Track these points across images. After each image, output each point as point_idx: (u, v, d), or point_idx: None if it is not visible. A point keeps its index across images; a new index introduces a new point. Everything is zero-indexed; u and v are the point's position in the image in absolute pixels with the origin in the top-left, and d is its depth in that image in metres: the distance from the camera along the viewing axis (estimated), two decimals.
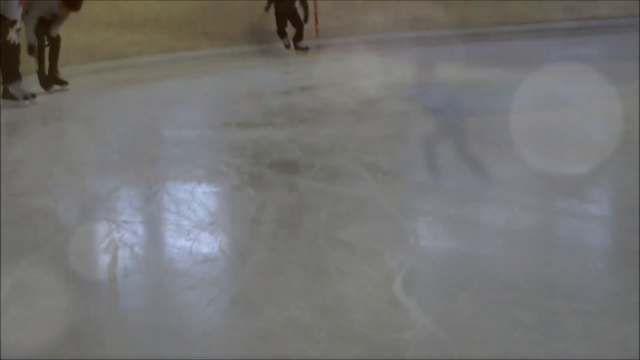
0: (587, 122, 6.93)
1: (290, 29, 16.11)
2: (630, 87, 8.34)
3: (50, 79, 11.42)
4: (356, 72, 12.55)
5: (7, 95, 9.84)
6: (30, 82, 10.72)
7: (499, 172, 5.12)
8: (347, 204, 4.52)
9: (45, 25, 11.08)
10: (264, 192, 4.84)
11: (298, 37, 16.01)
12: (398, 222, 4.15)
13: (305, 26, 16.05)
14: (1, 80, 9.94)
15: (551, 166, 5.20)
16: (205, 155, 6.35)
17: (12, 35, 9.64)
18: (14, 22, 9.59)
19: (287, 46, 15.99)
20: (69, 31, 12.29)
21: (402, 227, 4.07)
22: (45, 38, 11.29)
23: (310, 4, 17.28)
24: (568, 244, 3.82)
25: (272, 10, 16.08)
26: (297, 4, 16.16)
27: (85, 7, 11.69)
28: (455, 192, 4.71)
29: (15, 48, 9.79)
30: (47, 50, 11.39)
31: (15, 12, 9.62)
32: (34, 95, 10.12)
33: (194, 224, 4.33)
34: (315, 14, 18.41)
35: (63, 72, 11.94)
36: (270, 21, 16.52)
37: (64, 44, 11.79)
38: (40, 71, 11.24)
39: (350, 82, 10.97)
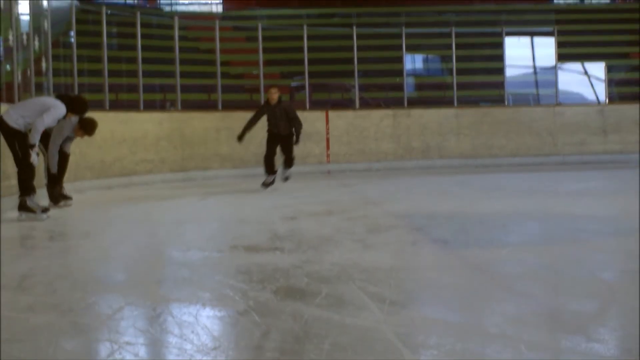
0: (594, 259, 6.93)
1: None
2: (637, 224, 8.39)
3: (60, 194, 11.55)
4: (366, 199, 12.60)
5: (25, 208, 10.12)
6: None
7: (506, 308, 5.08)
8: (351, 334, 4.48)
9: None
10: (268, 319, 4.81)
11: (287, 162, 14.49)
12: (402, 355, 4.11)
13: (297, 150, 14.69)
14: (18, 194, 10.22)
15: (557, 302, 5.18)
16: (211, 278, 6.34)
17: (34, 157, 10.10)
18: (33, 146, 10.05)
19: (269, 184, 14.13)
20: (81, 147, 12.44)
21: None
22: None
23: (319, 123, 17.47)
24: None
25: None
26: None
27: (99, 124, 11.85)
28: (461, 326, 4.67)
29: (33, 166, 10.20)
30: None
31: (37, 138, 10.12)
32: (47, 209, 10.36)
33: (196, 348, 4.29)
34: (327, 140, 18.59)
35: (74, 187, 12.04)
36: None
37: (76, 159, 11.94)
38: (50, 186, 11.38)
39: (359, 209, 11.01)
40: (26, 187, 10.16)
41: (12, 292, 5.82)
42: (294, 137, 14.24)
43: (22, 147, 10.06)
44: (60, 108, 10.33)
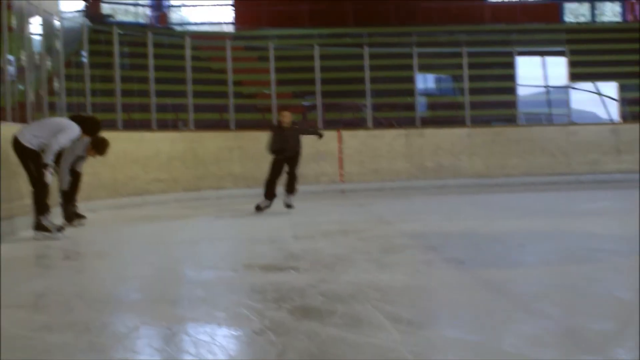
0: (611, 278, 6.88)
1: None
2: None
3: (73, 213, 11.59)
4: (379, 218, 12.58)
5: (41, 228, 10.20)
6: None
7: (523, 327, 5.05)
8: (367, 354, 4.46)
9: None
10: (284, 338, 4.79)
11: (290, 188, 13.70)
12: None
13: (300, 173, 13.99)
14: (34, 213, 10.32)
15: (575, 322, 5.14)
16: (226, 298, 6.33)
17: (48, 176, 10.23)
18: (47, 165, 10.19)
19: (264, 208, 13.40)
20: (94, 166, 12.46)
21: None
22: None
23: (332, 143, 17.51)
24: None
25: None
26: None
27: (112, 144, 11.88)
28: (478, 346, 4.64)
29: (47, 185, 10.31)
30: None
31: (52, 158, 10.28)
32: (62, 228, 10.45)
33: None
34: (340, 159, 18.60)
35: (87, 206, 12.06)
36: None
37: (89, 179, 11.97)
38: (65, 205, 11.42)
39: (373, 229, 10.99)
40: (41, 206, 10.24)
41: (28, 311, 5.83)
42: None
43: (36, 167, 10.16)
44: (74, 129, 10.39)
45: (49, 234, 10.19)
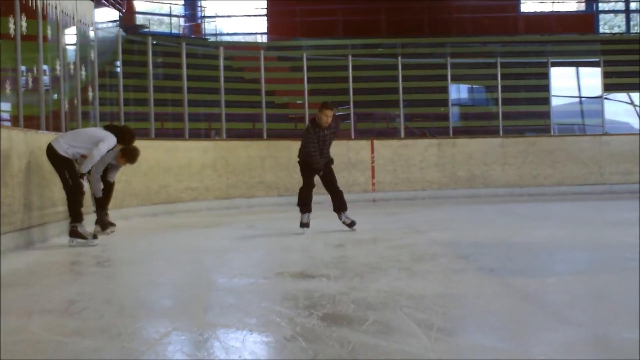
0: None
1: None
2: None
3: (105, 220, 11.68)
4: (411, 227, 12.56)
5: (77, 235, 10.35)
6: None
7: (554, 336, 5.02)
8: None
9: (104, 172, 11.56)
10: (315, 345, 4.79)
11: (339, 205, 11.91)
12: None
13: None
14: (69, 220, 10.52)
15: (606, 331, 5.11)
16: (257, 305, 6.32)
17: (85, 185, 10.53)
18: (84, 175, 10.49)
19: (306, 225, 11.57)
20: (127, 174, 12.54)
21: None
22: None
23: (364, 152, 17.49)
24: None
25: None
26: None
27: (145, 152, 11.95)
28: (508, 353, 4.63)
29: (83, 194, 10.58)
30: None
31: (89, 168, 10.62)
32: (96, 235, 10.63)
33: None
34: (372, 168, 18.60)
35: (120, 213, 12.14)
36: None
37: (122, 187, 12.06)
38: (98, 213, 11.51)
39: (404, 237, 10.97)
40: (77, 214, 10.38)
41: (60, 317, 5.86)
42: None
43: (72, 176, 10.31)
44: (111, 139, 10.50)
45: (84, 240, 10.31)
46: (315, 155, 11.46)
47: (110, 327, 5.42)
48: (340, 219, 11.75)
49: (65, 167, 10.26)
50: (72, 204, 10.39)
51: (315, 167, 11.49)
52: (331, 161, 11.88)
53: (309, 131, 11.60)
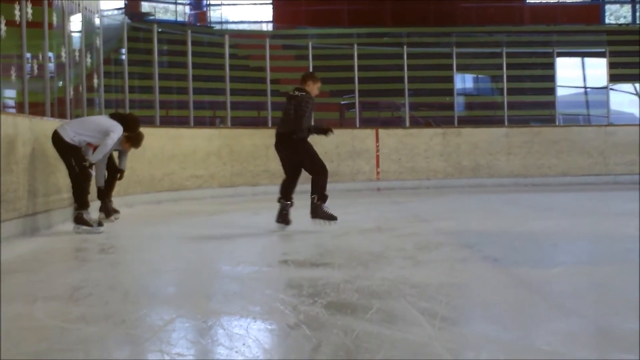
0: None
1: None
2: None
3: (110, 208, 11.70)
4: (415, 216, 12.56)
5: (82, 222, 10.37)
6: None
7: (557, 326, 5.02)
8: (402, 349, 4.45)
9: (111, 160, 11.52)
10: (319, 333, 4.79)
11: (317, 191, 10.17)
12: None
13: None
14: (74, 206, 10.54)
15: (609, 321, 5.11)
16: (261, 292, 6.33)
17: (92, 173, 10.59)
18: (92, 164, 10.51)
19: (284, 219, 10.32)
20: (131, 161, 12.53)
21: None
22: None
23: (369, 141, 17.48)
24: None
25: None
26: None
27: (148, 140, 11.95)
28: (512, 343, 4.62)
29: (89, 181, 10.60)
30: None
31: (100, 158, 10.76)
32: (102, 223, 10.69)
33: None
34: (377, 157, 18.60)
35: (124, 201, 12.15)
36: (331, 161, 16.65)
37: (126, 174, 12.11)
38: (102, 200, 11.53)
39: (409, 227, 10.98)
40: (83, 201, 10.41)
41: (65, 303, 5.87)
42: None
43: (78, 163, 10.33)
44: (119, 129, 10.52)
45: (90, 228, 10.33)
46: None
47: (114, 314, 5.43)
48: (314, 210, 10.13)
49: (71, 154, 10.28)
50: (78, 191, 10.41)
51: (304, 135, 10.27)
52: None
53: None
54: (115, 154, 12.07)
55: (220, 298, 6.18)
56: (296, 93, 10.27)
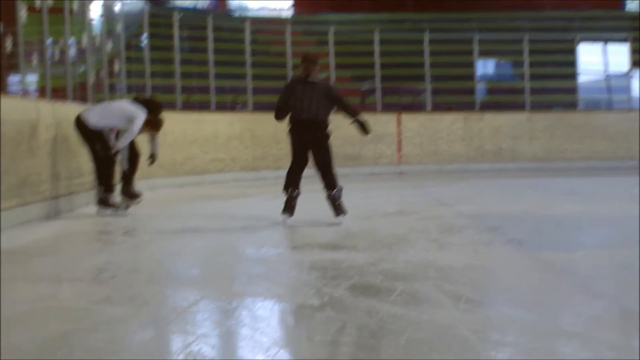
0: None
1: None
2: None
3: (133, 191, 11.70)
4: (438, 200, 12.54)
5: (108, 205, 10.55)
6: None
7: (582, 308, 5.00)
8: (427, 331, 4.44)
9: (132, 143, 11.51)
10: (343, 314, 4.79)
11: (328, 184, 9.62)
12: (479, 353, 4.06)
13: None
14: (101, 190, 10.68)
15: (634, 303, 5.08)
16: (285, 274, 6.35)
17: (118, 158, 10.75)
18: (119, 151, 10.62)
19: (292, 210, 9.64)
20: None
21: (482, 358, 3.98)
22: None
23: (391, 125, 17.44)
24: None
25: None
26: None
27: (170, 124, 11.95)
28: (537, 325, 4.60)
29: (114, 165, 10.76)
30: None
31: (126, 144, 10.78)
32: (127, 205, 10.84)
33: (272, 341, 4.29)
34: (398, 141, 18.57)
35: (146, 184, 12.18)
36: (354, 145, 16.63)
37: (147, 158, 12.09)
38: (125, 184, 11.55)
39: (431, 210, 10.97)
40: (108, 184, 10.56)
41: (89, 284, 5.90)
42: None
43: (104, 147, 10.45)
44: (143, 114, 10.56)
45: (116, 210, 10.50)
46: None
47: (138, 295, 5.45)
48: (335, 206, 9.58)
49: (96, 138, 10.35)
50: (103, 175, 10.52)
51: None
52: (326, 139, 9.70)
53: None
54: (137, 138, 12.06)
55: (244, 280, 6.18)
56: (315, 80, 9.64)
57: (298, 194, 9.72)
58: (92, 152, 10.43)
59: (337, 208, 9.54)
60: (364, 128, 9.71)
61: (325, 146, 9.60)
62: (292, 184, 9.77)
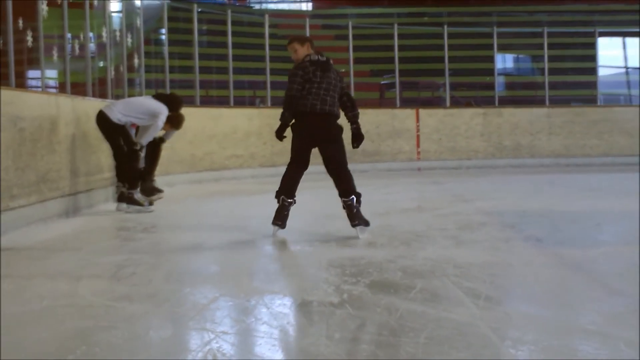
0: None
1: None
2: None
3: (152, 187, 11.74)
4: (456, 196, 12.52)
5: (133, 202, 10.54)
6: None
7: (602, 305, 5.00)
8: (447, 328, 4.44)
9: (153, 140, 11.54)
10: (363, 312, 4.80)
11: (345, 190, 8.35)
12: (498, 351, 4.06)
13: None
14: (123, 186, 10.73)
15: None
16: (304, 271, 6.36)
17: (141, 154, 10.82)
18: (143, 147, 10.70)
19: (283, 221, 8.42)
20: (172, 141, 12.54)
21: (501, 356, 3.97)
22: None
23: (409, 120, 17.42)
24: None
25: None
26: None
27: (189, 120, 11.96)
28: (557, 322, 4.60)
29: (139, 161, 10.84)
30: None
31: (149, 140, 10.82)
32: (152, 202, 10.84)
33: (291, 338, 4.30)
34: (417, 137, 18.54)
35: (164, 180, 12.21)
36: (372, 141, 16.61)
37: (167, 154, 12.14)
38: (145, 181, 11.57)
39: (450, 206, 10.93)
40: (133, 180, 10.59)
41: (108, 282, 5.90)
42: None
43: (127, 142, 10.52)
44: (166, 110, 10.62)
45: (141, 207, 10.51)
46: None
47: (158, 293, 5.46)
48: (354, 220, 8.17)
49: (118, 134, 10.40)
50: (128, 170, 10.60)
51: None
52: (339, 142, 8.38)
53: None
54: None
55: (263, 277, 6.19)
56: (331, 61, 8.48)
57: (292, 203, 8.57)
58: (114, 147, 10.48)
59: (355, 217, 8.11)
60: (357, 138, 8.32)
61: (341, 142, 8.20)
62: (287, 190, 8.55)
